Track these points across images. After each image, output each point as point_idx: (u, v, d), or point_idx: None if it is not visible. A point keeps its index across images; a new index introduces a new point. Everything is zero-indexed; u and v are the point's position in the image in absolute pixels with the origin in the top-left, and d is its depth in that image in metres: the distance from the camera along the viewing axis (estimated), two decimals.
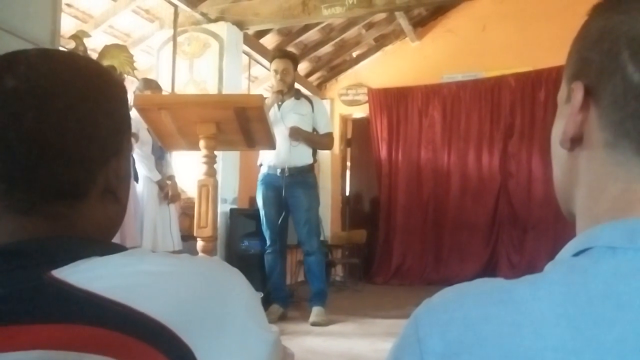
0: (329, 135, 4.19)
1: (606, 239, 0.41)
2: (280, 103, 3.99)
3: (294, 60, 4.11)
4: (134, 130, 3.33)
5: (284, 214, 4.03)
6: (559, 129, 0.50)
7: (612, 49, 0.44)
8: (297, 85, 4.32)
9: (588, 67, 0.47)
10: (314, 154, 4.12)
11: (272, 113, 3.88)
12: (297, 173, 3.95)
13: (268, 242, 4.07)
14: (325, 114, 4.22)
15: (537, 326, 0.37)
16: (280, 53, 4.19)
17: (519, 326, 0.38)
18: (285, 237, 4.19)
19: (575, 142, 0.48)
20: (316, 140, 4.08)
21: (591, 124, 0.47)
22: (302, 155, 3.99)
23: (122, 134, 0.63)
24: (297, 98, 4.06)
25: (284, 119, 3.91)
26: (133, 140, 3.45)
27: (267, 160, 4.01)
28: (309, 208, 3.98)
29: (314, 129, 4.07)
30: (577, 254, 0.43)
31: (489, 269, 6.21)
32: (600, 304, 0.37)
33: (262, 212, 4.05)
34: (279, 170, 3.95)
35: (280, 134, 3.79)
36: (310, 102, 4.12)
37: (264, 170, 4.06)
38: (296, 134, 3.89)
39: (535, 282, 0.41)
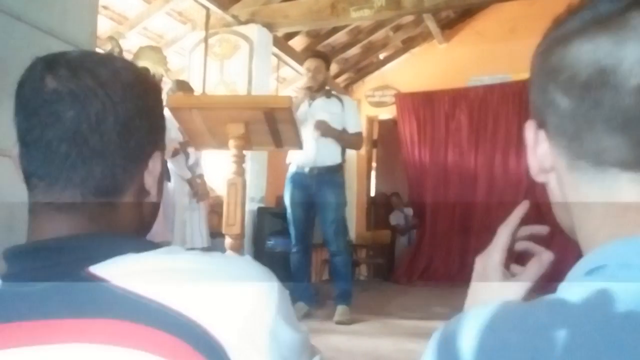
0: (359, 135, 4.14)
1: (620, 257, 0.41)
2: (311, 101, 3.99)
3: (326, 60, 4.12)
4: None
5: (311, 213, 4.04)
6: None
7: (542, 84, 0.49)
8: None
9: (533, 107, 0.52)
10: (343, 153, 4.09)
11: (303, 111, 3.89)
12: (325, 172, 3.93)
13: (294, 241, 4.07)
14: (355, 114, 4.19)
15: (556, 352, 0.37)
16: (313, 52, 4.26)
17: (537, 352, 0.37)
18: (311, 236, 4.18)
19: (548, 172, 0.52)
20: (344, 138, 4.03)
21: (552, 154, 0.50)
22: (331, 154, 3.97)
23: (158, 134, 0.65)
24: (328, 97, 4.05)
25: (314, 117, 3.90)
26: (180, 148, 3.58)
27: (296, 159, 3.99)
28: (336, 207, 3.96)
29: (344, 129, 4.04)
30: (589, 273, 0.42)
31: None
32: (619, 327, 0.36)
33: (289, 211, 4.04)
34: (307, 169, 3.94)
35: (309, 133, 3.82)
36: (341, 101, 4.10)
37: (292, 169, 4.05)
38: (321, 126, 3.86)
39: (551, 306, 0.40)
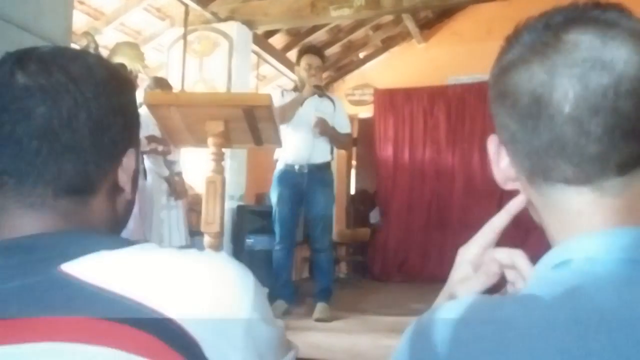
0: (349, 136, 4.17)
1: (584, 251, 0.43)
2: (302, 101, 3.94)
3: (323, 57, 4.10)
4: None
5: (298, 210, 4.00)
6: None
7: (495, 107, 0.52)
8: None
9: (495, 124, 0.54)
10: (332, 151, 4.07)
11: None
12: (316, 170, 3.91)
13: (278, 239, 4.01)
14: (345, 114, 4.18)
15: (526, 344, 0.38)
16: (314, 49, 4.16)
17: (509, 344, 0.38)
18: (295, 234, 4.16)
19: (514, 180, 0.55)
20: (339, 138, 4.02)
21: (514, 167, 0.53)
22: (322, 152, 3.95)
23: (131, 131, 0.64)
24: (320, 96, 3.99)
25: (306, 115, 3.86)
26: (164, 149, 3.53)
27: (285, 156, 3.93)
28: (325, 206, 3.95)
29: (334, 128, 4.02)
30: (556, 267, 0.44)
31: None
32: (585, 318, 0.38)
33: (275, 209, 3.98)
34: (297, 167, 3.89)
35: (302, 130, 3.79)
36: (332, 101, 4.08)
37: (280, 166, 3.99)
38: (322, 124, 3.83)
39: (520, 299, 0.42)
